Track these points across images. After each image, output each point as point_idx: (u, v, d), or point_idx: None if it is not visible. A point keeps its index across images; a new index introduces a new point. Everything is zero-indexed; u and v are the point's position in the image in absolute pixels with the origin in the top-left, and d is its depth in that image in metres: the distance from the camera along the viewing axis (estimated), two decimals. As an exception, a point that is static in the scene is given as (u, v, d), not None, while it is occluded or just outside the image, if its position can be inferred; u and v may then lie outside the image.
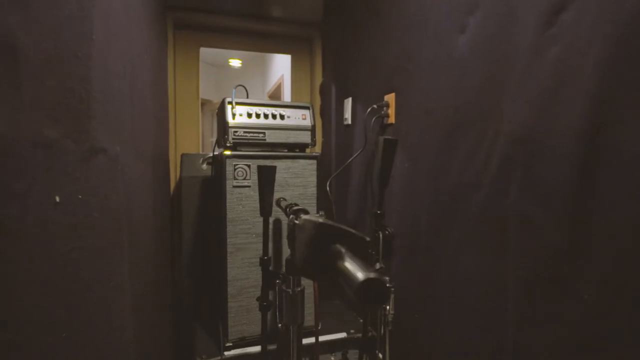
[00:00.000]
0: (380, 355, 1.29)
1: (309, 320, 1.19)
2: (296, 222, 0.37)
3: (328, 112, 2.01)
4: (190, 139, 2.01)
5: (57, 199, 0.40)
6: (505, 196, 0.85)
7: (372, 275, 0.20)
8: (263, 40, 2.14)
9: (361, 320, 1.38)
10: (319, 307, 1.04)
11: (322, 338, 1.24)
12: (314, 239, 0.24)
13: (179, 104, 1.97)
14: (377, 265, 0.87)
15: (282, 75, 3.44)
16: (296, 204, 0.57)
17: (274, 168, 0.88)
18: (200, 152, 1.86)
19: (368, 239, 0.25)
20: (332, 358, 1.23)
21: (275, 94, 3.78)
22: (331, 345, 1.26)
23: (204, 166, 1.61)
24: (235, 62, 3.71)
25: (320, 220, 0.25)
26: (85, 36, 0.46)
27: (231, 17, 1.99)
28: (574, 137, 0.69)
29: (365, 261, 0.22)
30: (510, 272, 0.83)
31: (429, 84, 1.15)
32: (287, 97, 3.33)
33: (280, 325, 0.59)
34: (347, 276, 0.20)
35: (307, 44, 2.21)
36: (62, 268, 0.41)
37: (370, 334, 1.19)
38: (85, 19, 0.45)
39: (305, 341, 1.18)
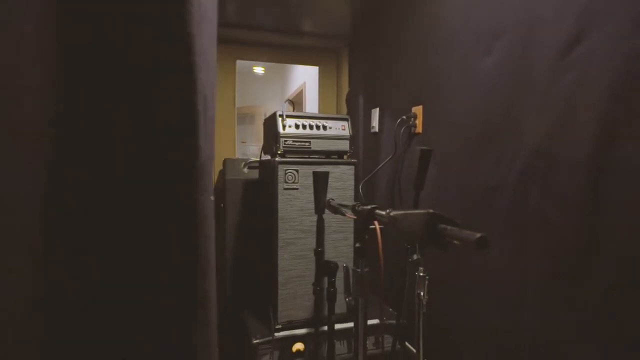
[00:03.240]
0: (409, 346, 1.44)
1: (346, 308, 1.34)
2: (392, 214, 0.52)
3: (355, 121, 2.17)
4: (227, 145, 2.19)
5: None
6: (527, 201, 0.99)
7: (479, 234, 0.34)
8: (294, 52, 2.31)
9: (391, 310, 1.53)
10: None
11: (352, 324, 1.39)
12: (429, 222, 0.39)
13: (217, 113, 2.15)
14: (415, 257, 1.02)
15: (304, 83, 3.60)
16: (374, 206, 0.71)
17: (327, 173, 1.03)
18: (235, 157, 2.03)
19: (459, 221, 0.40)
20: (367, 341, 1.38)
21: (296, 100, 3.94)
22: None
23: (246, 170, 1.78)
24: (259, 70, 3.89)
25: (431, 210, 0.40)
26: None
27: (266, 32, 2.16)
28: (587, 152, 0.83)
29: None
30: (532, 267, 0.97)
31: (456, 99, 1.30)
32: (309, 103, 3.49)
33: (347, 299, 0.74)
34: (463, 237, 0.35)
35: (334, 56, 2.37)
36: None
37: (402, 321, 1.34)
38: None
39: (340, 326, 1.33)
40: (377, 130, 1.91)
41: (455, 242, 0.37)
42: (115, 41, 0.38)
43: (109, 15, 0.38)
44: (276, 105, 4.50)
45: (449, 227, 0.38)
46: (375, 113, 1.92)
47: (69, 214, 0.34)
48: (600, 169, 0.80)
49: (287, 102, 1.37)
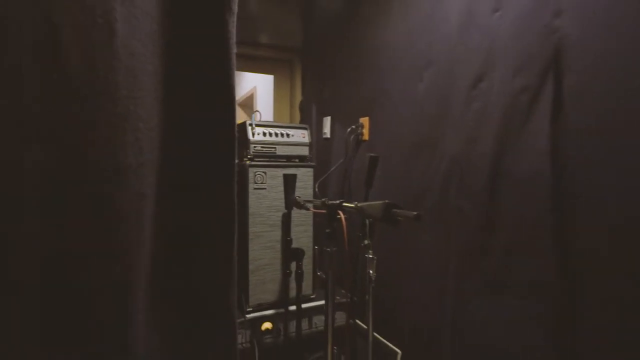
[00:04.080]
0: (358, 321, 1.71)
1: (308, 290, 1.57)
2: (359, 205, 0.75)
3: (309, 127, 2.39)
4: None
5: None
6: (448, 196, 1.30)
7: (415, 212, 0.59)
8: (250, 62, 2.47)
9: (343, 291, 1.78)
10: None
11: (314, 303, 1.62)
12: (386, 208, 0.62)
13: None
14: (366, 242, 1.27)
15: (255, 87, 3.74)
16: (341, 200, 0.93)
17: (295, 175, 1.25)
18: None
19: (401, 205, 0.64)
20: (323, 317, 1.61)
21: (247, 103, 4.06)
22: (321, 309, 1.64)
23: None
24: (209, 72, 3.92)
25: (387, 201, 0.64)
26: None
27: (224, 41, 2.29)
28: (486, 161, 1.15)
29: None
30: (451, 244, 1.28)
31: (396, 114, 1.59)
32: (259, 107, 3.64)
33: (319, 273, 0.97)
34: (406, 214, 0.59)
35: (288, 66, 2.58)
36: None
37: (354, 298, 1.59)
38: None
39: (305, 305, 1.55)
40: (329, 136, 2.16)
41: (401, 218, 0.61)
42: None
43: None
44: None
45: (398, 210, 0.63)
46: (327, 121, 2.17)
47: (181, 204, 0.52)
48: (495, 173, 1.13)
49: (255, 112, 1.56)
